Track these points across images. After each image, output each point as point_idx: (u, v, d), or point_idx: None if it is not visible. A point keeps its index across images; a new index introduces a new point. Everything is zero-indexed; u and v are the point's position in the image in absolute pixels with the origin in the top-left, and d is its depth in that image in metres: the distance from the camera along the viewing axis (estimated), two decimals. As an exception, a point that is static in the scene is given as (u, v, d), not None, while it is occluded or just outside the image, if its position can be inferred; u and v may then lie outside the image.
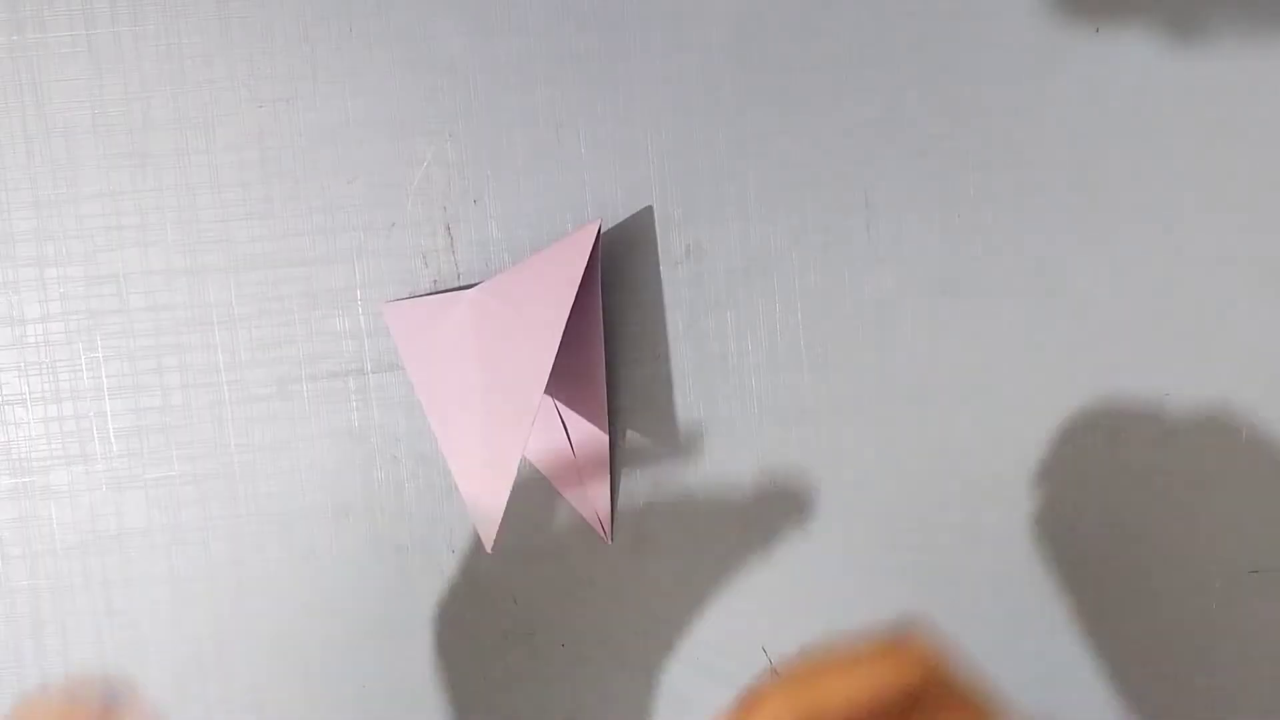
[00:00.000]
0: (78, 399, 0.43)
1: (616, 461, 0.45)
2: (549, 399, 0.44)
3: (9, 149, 0.43)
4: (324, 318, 0.44)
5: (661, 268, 0.44)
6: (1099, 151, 0.45)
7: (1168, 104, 0.45)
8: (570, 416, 0.44)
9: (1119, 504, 0.46)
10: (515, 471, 0.38)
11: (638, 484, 0.45)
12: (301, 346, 0.44)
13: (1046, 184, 0.45)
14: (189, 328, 0.43)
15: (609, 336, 0.44)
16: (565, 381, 0.44)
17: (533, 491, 0.45)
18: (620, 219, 0.44)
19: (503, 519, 0.45)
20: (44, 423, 0.43)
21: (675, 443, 0.45)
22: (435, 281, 0.44)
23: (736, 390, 0.45)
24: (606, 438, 0.44)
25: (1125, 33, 0.44)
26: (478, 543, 0.44)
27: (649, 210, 0.44)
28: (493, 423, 0.40)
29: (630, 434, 0.45)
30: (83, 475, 0.44)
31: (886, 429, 0.45)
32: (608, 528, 0.45)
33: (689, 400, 0.45)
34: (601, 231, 0.42)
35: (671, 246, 0.44)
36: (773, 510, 0.45)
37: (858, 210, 0.45)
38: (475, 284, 0.43)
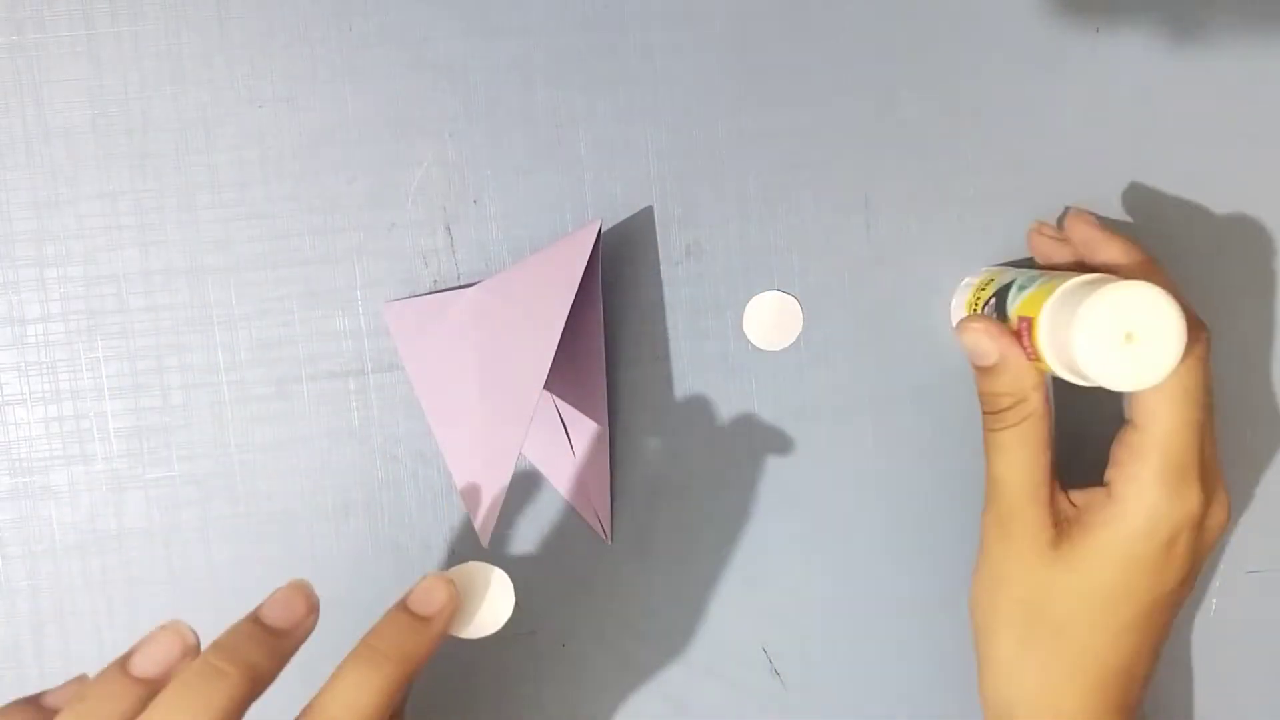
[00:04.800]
0: (78, 399, 0.43)
1: (616, 461, 0.45)
2: (549, 399, 0.44)
3: (9, 149, 0.43)
4: (324, 318, 0.44)
5: (661, 268, 0.44)
6: (1099, 151, 0.45)
7: (1168, 104, 0.45)
8: (570, 416, 0.44)
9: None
10: (512, 469, 0.38)
11: (638, 484, 0.45)
12: (301, 346, 0.44)
13: (1046, 184, 0.45)
14: (189, 328, 0.43)
15: (609, 336, 0.44)
16: (566, 381, 0.44)
17: (532, 491, 0.45)
18: (620, 219, 0.44)
19: (503, 519, 0.45)
20: (44, 423, 0.43)
21: (675, 443, 0.45)
22: (435, 281, 0.44)
23: (736, 390, 0.45)
24: (607, 437, 0.44)
25: (1125, 33, 0.44)
26: (477, 543, 0.44)
27: (649, 210, 0.44)
28: (491, 421, 0.40)
29: (630, 434, 0.45)
30: (83, 475, 0.44)
31: (887, 429, 0.45)
32: (608, 528, 0.45)
33: (689, 400, 0.45)
34: (602, 231, 0.42)
35: (671, 246, 0.44)
36: (773, 510, 0.45)
37: (858, 210, 0.45)
38: (475, 283, 0.43)
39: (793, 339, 0.45)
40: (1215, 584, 0.46)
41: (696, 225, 0.44)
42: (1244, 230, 0.45)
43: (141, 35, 0.43)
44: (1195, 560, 0.38)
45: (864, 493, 0.45)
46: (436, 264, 0.44)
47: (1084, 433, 0.46)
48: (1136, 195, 0.45)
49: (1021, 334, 0.38)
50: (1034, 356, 0.38)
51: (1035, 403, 0.38)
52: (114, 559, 0.44)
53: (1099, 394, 0.46)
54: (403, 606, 0.35)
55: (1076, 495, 0.39)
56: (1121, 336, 0.35)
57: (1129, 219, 0.45)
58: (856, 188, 0.44)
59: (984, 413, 0.39)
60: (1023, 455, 0.38)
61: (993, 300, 0.41)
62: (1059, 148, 0.45)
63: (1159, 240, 0.45)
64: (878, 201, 0.44)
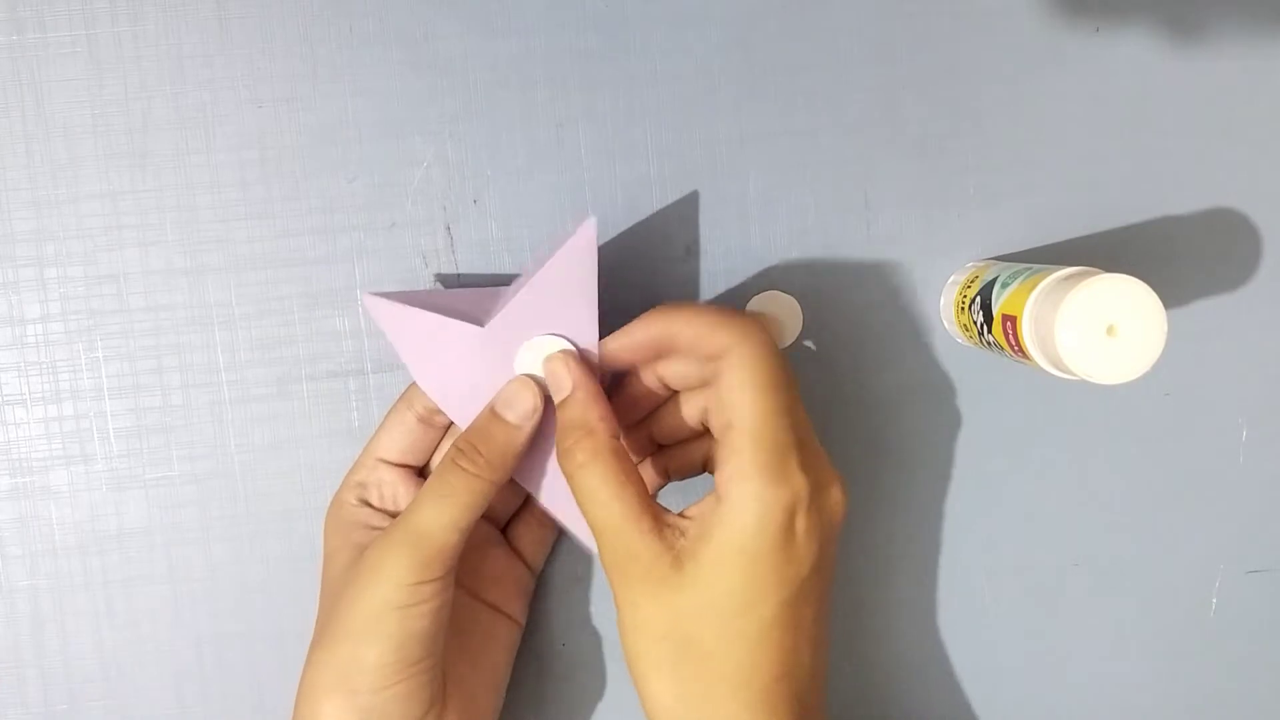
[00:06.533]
0: (78, 399, 0.43)
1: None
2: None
3: (9, 149, 0.43)
4: (324, 318, 0.44)
5: (661, 268, 0.44)
6: (1099, 151, 0.45)
7: (1168, 104, 0.45)
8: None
9: (1118, 503, 0.46)
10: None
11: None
12: (301, 346, 0.44)
13: (1046, 184, 0.45)
14: (189, 328, 0.43)
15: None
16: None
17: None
18: (620, 219, 0.44)
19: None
20: (44, 423, 0.43)
21: (675, 443, 0.45)
22: (435, 282, 0.44)
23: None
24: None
25: (1125, 33, 0.45)
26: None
27: (649, 210, 0.44)
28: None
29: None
30: (83, 475, 0.44)
31: (886, 428, 0.45)
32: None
33: (689, 400, 0.45)
34: (595, 227, 0.41)
35: (671, 246, 0.44)
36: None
37: (858, 210, 0.45)
38: (466, 288, 0.43)
39: (793, 339, 0.45)
40: (1215, 584, 0.47)
41: (696, 225, 0.44)
42: (1243, 230, 0.45)
43: (141, 35, 0.43)
44: (822, 544, 0.36)
45: (863, 493, 0.45)
46: (436, 264, 0.44)
47: (1069, 429, 0.46)
48: (1136, 195, 0.45)
49: (1006, 331, 0.38)
50: (1019, 352, 0.38)
51: (603, 436, 0.37)
52: (114, 559, 0.44)
53: (1083, 389, 0.46)
54: (490, 408, 0.38)
55: (690, 510, 0.37)
56: (1104, 329, 0.35)
57: (1128, 219, 0.45)
58: (856, 188, 0.44)
59: (559, 457, 0.38)
60: (605, 494, 0.36)
61: (977, 298, 0.41)
62: (1059, 148, 0.45)
63: (1158, 239, 0.45)
64: (878, 201, 0.45)
